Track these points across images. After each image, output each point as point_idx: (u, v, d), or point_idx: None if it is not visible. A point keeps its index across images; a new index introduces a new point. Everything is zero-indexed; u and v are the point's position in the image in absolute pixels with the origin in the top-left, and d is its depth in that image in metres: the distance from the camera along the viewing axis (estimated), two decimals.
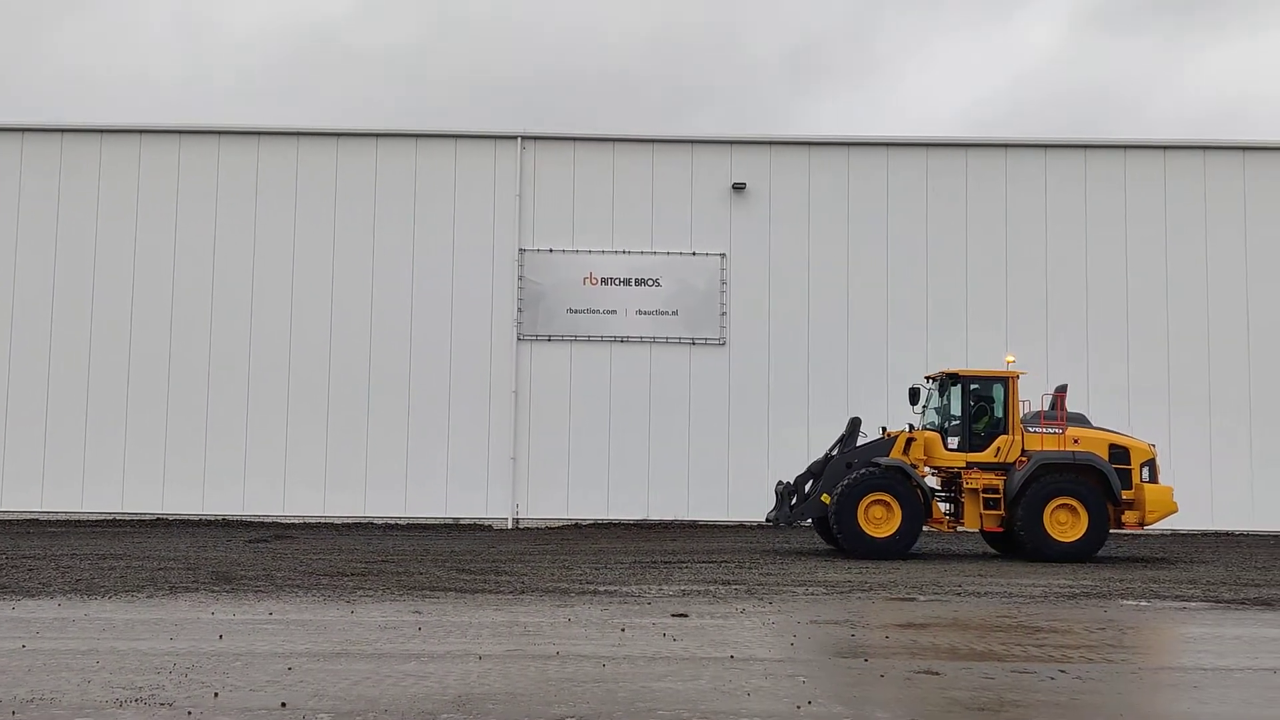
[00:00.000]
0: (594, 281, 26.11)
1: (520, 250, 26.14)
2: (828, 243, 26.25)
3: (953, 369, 20.09)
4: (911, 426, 19.67)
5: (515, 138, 26.50)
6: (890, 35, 64.12)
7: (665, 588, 14.19)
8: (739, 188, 26.27)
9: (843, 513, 18.31)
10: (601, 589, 13.97)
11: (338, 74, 61.14)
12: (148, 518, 25.23)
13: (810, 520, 19.99)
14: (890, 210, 26.37)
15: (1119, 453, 18.89)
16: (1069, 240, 26.27)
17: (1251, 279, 26.12)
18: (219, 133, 26.57)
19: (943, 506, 19.57)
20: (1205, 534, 24.88)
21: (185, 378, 25.74)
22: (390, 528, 24.59)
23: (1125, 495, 18.63)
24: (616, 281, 26.10)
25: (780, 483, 20.08)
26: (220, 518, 25.24)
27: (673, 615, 11.63)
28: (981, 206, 26.35)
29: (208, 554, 17.99)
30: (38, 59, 59.49)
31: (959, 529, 19.25)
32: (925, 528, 19.30)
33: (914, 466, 18.85)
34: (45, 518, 25.07)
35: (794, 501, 19.64)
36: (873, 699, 7.86)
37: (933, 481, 19.81)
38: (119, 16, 62.20)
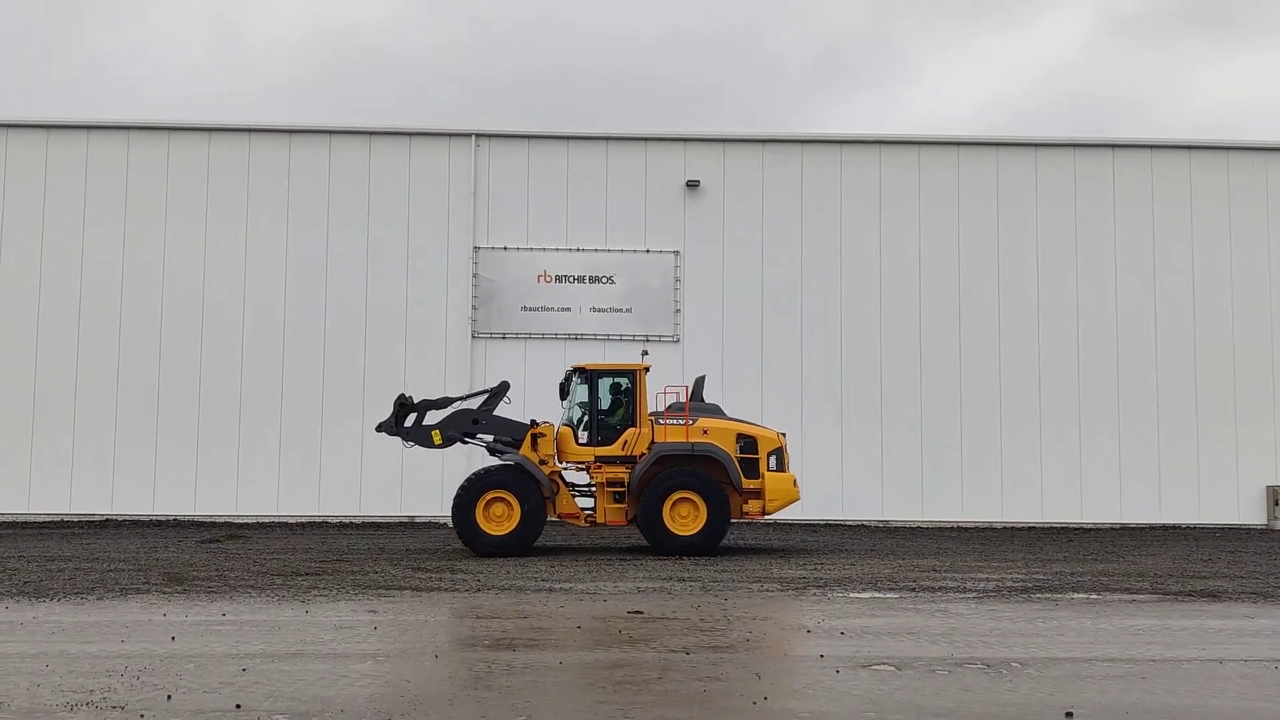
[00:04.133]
0: (548, 279, 26.08)
1: (475, 248, 26.06)
2: (782, 240, 26.36)
3: (582, 363, 19.86)
4: (535, 422, 19.18)
5: (470, 135, 26.40)
6: (911, 38, 64.49)
7: (620, 585, 14.21)
8: (693, 185, 26.32)
9: (461, 511, 17.97)
10: (557, 586, 13.97)
11: (360, 76, 60.94)
12: (97, 518, 24.90)
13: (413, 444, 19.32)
14: (844, 207, 26.51)
15: (747, 442, 18.84)
16: (1020, 237, 26.53)
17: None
18: (169, 129, 26.24)
19: (583, 501, 19.29)
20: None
21: (135, 376, 25.40)
22: (345, 527, 24.43)
23: (751, 484, 18.62)
24: (571, 279, 26.09)
25: (403, 395, 19.62)
26: (171, 518, 24.95)
27: (629, 613, 11.65)
28: (934, 204, 26.55)
29: (159, 555, 17.79)
30: (63, 56, 58.81)
31: (595, 523, 19.01)
32: (559, 521, 19.35)
33: (542, 462, 18.57)
34: None
35: (410, 422, 19.24)
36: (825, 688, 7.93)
37: (581, 476, 19.54)
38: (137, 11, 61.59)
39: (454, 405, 19.57)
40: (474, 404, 19.67)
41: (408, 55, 61.79)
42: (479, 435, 19.27)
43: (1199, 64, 63.16)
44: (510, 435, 19.03)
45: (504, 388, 19.62)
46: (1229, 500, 26.04)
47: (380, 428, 19.41)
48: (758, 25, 63.23)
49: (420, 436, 19.08)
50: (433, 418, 19.45)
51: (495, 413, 19.31)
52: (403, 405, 19.26)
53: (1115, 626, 11.09)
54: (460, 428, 19.10)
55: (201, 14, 62.40)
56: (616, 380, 19.36)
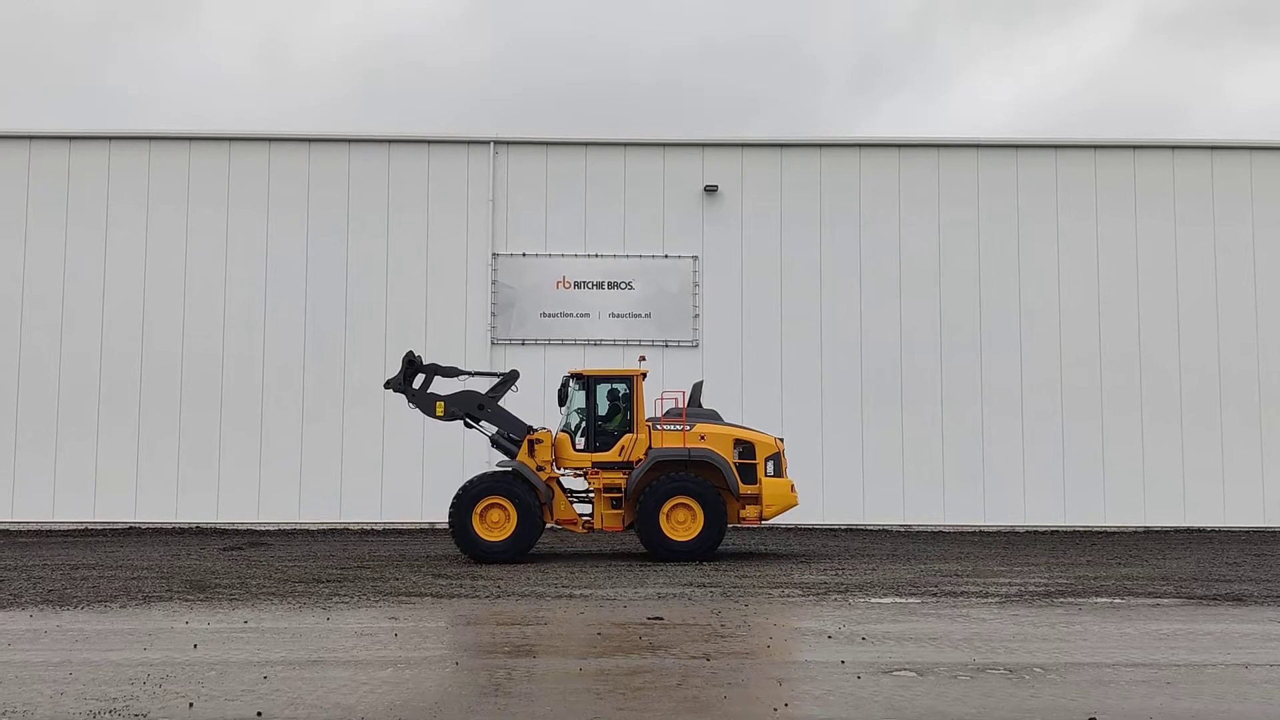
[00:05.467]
0: (567, 285, 26.10)
1: (494, 255, 26.10)
2: (800, 244, 26.31)
3: (579, 369, 19.83)
4: (532, 429, 19.12)
5: (488, 142, 26.45)
6: (951, 42, 64.25)
7: (640, 590, 14.19)
8: (711, 190, 26.31)
9: (458, 517, 17.95)
10: (577, 593, 13.96)
11: (400, 89, 61.21)
12: (120, 526, 25.01)
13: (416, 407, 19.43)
14: (863, 211, 26.44)
15: (745, 448, 18.75)
16: (1041, 238, 26.41)
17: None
18: (189, 139, 26.38)
19: (581, 508, 19.22)
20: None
21: (158, 383, 25.53)
22: (366, 533, 24.48)
23: (749, 489, 18.52)
24: (589, 285, 26.11)
25: (412, 352, 19.62)
26: (194, 525, 25.05)
27: (649, 619, 11.64)
28: (954, 206, 26.45)
29: (181, 562, 17.86)
30: (78, 69, 59.28)
31: (592, 529, 18.94)
32: (558, 528, 19.33)
33: (540, 468, 18.49)
34: (15, 528, 24.80)
35: (417, 386, 19.21)
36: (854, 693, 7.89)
37: (579, 482, 19.46)
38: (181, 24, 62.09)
39: (462, 377, 19.70)
40: (482, 384, 19.73)
41: (456, 70, 62.13)
42: (482, 422, 19.31)
43: (1241, 65, 62.76)
44: (514, 432, 19.07)
45: (513, 376, 19.65)
46: (1254, 503, 25.81)
47: (388, 384, 19.51)
48: (793, 33, 63.25)
49: (425, 403, 19.15)
50: (440, 385, 19.57)
51: (502, 403, 19.37)
52: (410, 363, 19.33)
53: (1139, 631, 11.02)
54: (465, 408, 19.12)
55: (239, 31, 62.90)
56: (614, 386, 19.32)
